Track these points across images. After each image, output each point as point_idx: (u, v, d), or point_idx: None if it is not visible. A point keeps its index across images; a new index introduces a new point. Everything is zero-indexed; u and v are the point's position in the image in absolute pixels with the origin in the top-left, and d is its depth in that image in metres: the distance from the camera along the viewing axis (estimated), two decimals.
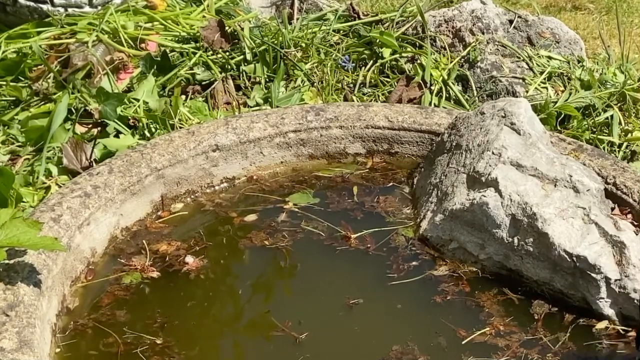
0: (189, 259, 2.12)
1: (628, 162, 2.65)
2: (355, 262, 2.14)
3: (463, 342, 1.89)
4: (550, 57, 3.14)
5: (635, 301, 1.91)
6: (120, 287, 2.02)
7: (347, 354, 1.87)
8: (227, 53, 3.05)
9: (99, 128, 2.70)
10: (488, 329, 1.93)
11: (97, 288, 2.03)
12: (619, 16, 3.64)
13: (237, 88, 2.95)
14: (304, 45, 3.11)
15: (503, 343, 1.89)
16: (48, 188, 2.44)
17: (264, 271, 2.15)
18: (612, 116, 2.84)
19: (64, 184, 2.28)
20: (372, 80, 3.06)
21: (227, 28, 3.07)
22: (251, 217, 2.29)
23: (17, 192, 2.31)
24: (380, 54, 3.12)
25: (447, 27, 3.18)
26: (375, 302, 2.01)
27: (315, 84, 2.99)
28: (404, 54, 3.12)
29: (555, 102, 2.87)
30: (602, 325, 1.95)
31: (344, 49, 3.16)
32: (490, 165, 2.16)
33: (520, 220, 2.04)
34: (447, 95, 2.97)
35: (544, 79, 3.03)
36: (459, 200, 2.15)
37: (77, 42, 2.99)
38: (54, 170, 2.51)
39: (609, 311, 1.95)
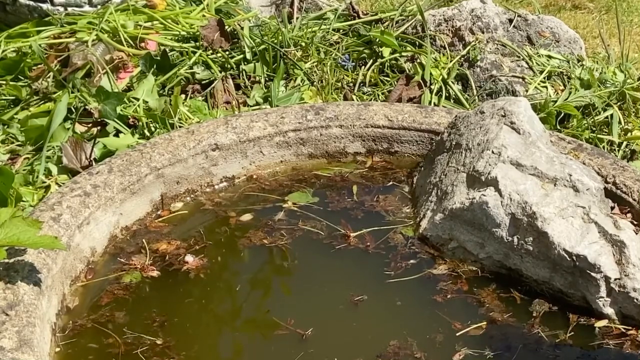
0: (189, 258, 2.12)
1: (628, 161, 2.65)
2: (354, 261, 2.14)
3: (457, 334, 1.90)
4: (550, 56, 3.14)
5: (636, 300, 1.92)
6: (120, 287, 2.02)
7: (346, 350, 1.87)
8: (227, 52, 3.05)
9: (99, 127, 2.71)
10: (485, 323, 1.94)
11: (97, 287, 2.03)
12: (618, 15, 3.64)
13: (237, 87, 2.95)
14: (303, 44, 3.11)
15: (498, 337, 1.89)
16: (48, 187, 2.45)
17: (263, 270, 2.15)
18: (611, 115, 2.84)
19: (63, 183, 2.28)
20: (372, 80, 3.07)
21: (226, 27, 3.07)
22: (250, 216, 2.29)
23: (16, 191, 2.31)
24: (380, 53, 3.12)
25: (446, 26, 3.18)
26: (374, 300, 2.01)
27: (315, 83, 2.99)
28: (403, 53, 3.12)
29: (555, 101, 2.88)
30: (601, 324, 1.95)
31: (344, 48, 3.17)
32: (490, 165, 2.16)
33: (520, 219, 2.05)
34: (447, 95, 2.98)
35: (544, 78, 3.03)
36: (459, 200, 2.15)
37: (76, 42, 2.99)
38: (54, 169, 2.51)
39: (609, 310, 1.95)
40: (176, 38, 3.12)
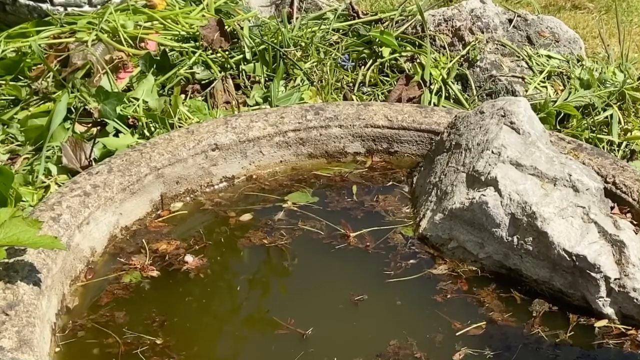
0: (189, 258, 2.12)
1: (627, 161, 2.65)
2: (354, 261, 2.14)
3: (457, 334, 1.90)
4: (549, 56, 3.14)
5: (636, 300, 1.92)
6: (120, 286, 2.02)
7: (347, 350, 1.87)
8: (227, 52, 3.05)
9: (99, 127, 2.70)
10: (484, 323, 1.94)
11: (96, 287, 2.03)
12: (618, 15, 3.64)
13: (237, 87, 2.95)
14: (303, 44, 3.11)
15: (498, 337, 1.89)
16: (47, 187, 2.45)
17: (263, 270, 2.15)
18: (611, 115, 2.84)
19: (63, 183, 2.28)
20: (372, 80, 3.07)
21: (226, 27, 3.07)
22: (250, 216, 2.29)
23: (16, 191, 2.31)
24: (379, 53, 3.12)
25: (446, 26, 3.18)
26: (374, 300, 2.01)
27: (314, 83, 2.99)
28: (403, 53, 3.12)
29: (555, 101, 2.88)
30: (601, 324, 1.95)
31: (344, 48, 3.17)
32: (489, 165, 2.16)
33: (519, 219, 2.05)
34: (447, 95, 2.98)
35: (544, 78, 3.03)
36: (459, 200, 2.15)
37: (76, 42, 2.99)
38: (54, 169, 2.51)
39: (609, 310, 1.95)
40: (176, 38, 3.12)
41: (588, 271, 1.95)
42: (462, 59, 3.09)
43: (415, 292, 2.04)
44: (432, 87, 2.98)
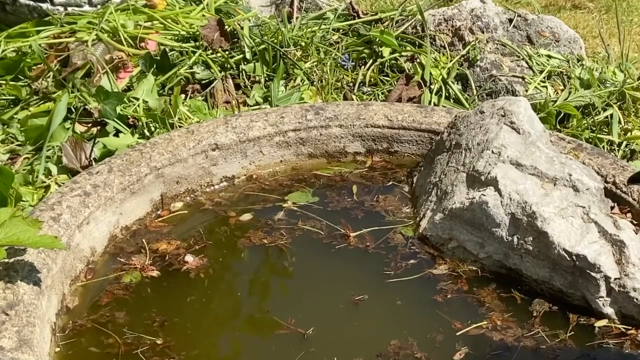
0: (189, 257, 2.12)
1: (627, 161, 2.65)
2: (354, 261, 2.14)
3: (457, 334, 1.90)
4: (549, 56, 3.14)
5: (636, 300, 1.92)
6: (120, 286, 2.02)
7: (347, 350, 1.88)
8: (227, 52, 3.05)
9: (99, 127, 2.70)
10: (485, 322, 1.94)
11: (96, 287, 2.03)
12: (618, 15, 3.64)
13: (237, 87, 2.95)
14: (303, 44, 3.11)
15: (498, 337, 1.90)
16: (48, 187, 2.45)
17: (264, 270, 2.16)
18: (611, 115, 2.84)
19: (63, 183, 2.28)
20: (372, 79, 3.06)
21: (226, 27, 3.07)
22: (250, 216, 2.29)
23: (16, 191, 2.31)
24: (379, 53, 3.12)
25: (446, 26, 3.18)
26: (374, 300, 2.01)
27: (314, 83, 2.99)
28: (403, 53, 3.12)
29: (555, 101, 2.88)
30: (601, 323, 1.95)
31: (344, 47, 3.16)
32: (489, 164, 2.16)
33: (519, 219, 2.05)
34: (447, 94, 2.98)
35: (544, 77, 3.03)
36: (459, 199, 2.15)
37: (76, 41, 2.99)
38: (54, 169, 2.51)
39: (609, 310, 1.95)
40: (176, 38, 3.12)
41: (588, 271, 1.95)
42: (462, 58, 3.09)
43: (416, 292, 2.04)
44: (432, 86, 2.98)
